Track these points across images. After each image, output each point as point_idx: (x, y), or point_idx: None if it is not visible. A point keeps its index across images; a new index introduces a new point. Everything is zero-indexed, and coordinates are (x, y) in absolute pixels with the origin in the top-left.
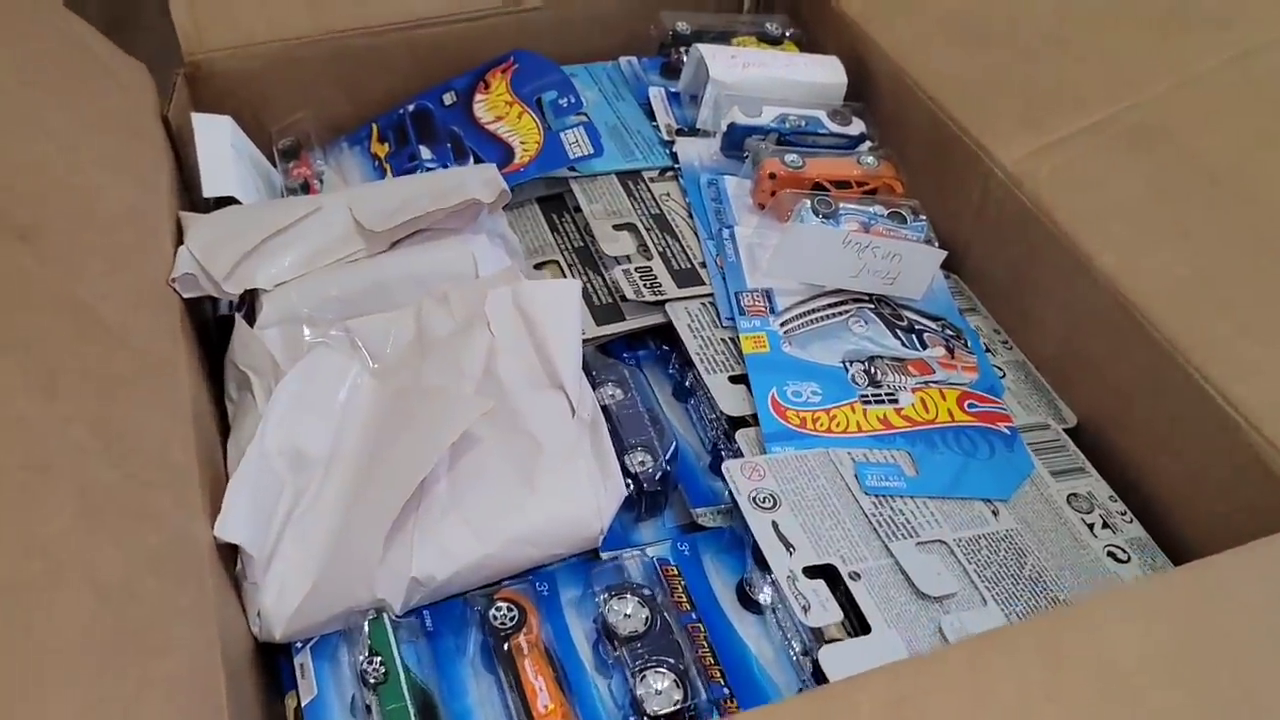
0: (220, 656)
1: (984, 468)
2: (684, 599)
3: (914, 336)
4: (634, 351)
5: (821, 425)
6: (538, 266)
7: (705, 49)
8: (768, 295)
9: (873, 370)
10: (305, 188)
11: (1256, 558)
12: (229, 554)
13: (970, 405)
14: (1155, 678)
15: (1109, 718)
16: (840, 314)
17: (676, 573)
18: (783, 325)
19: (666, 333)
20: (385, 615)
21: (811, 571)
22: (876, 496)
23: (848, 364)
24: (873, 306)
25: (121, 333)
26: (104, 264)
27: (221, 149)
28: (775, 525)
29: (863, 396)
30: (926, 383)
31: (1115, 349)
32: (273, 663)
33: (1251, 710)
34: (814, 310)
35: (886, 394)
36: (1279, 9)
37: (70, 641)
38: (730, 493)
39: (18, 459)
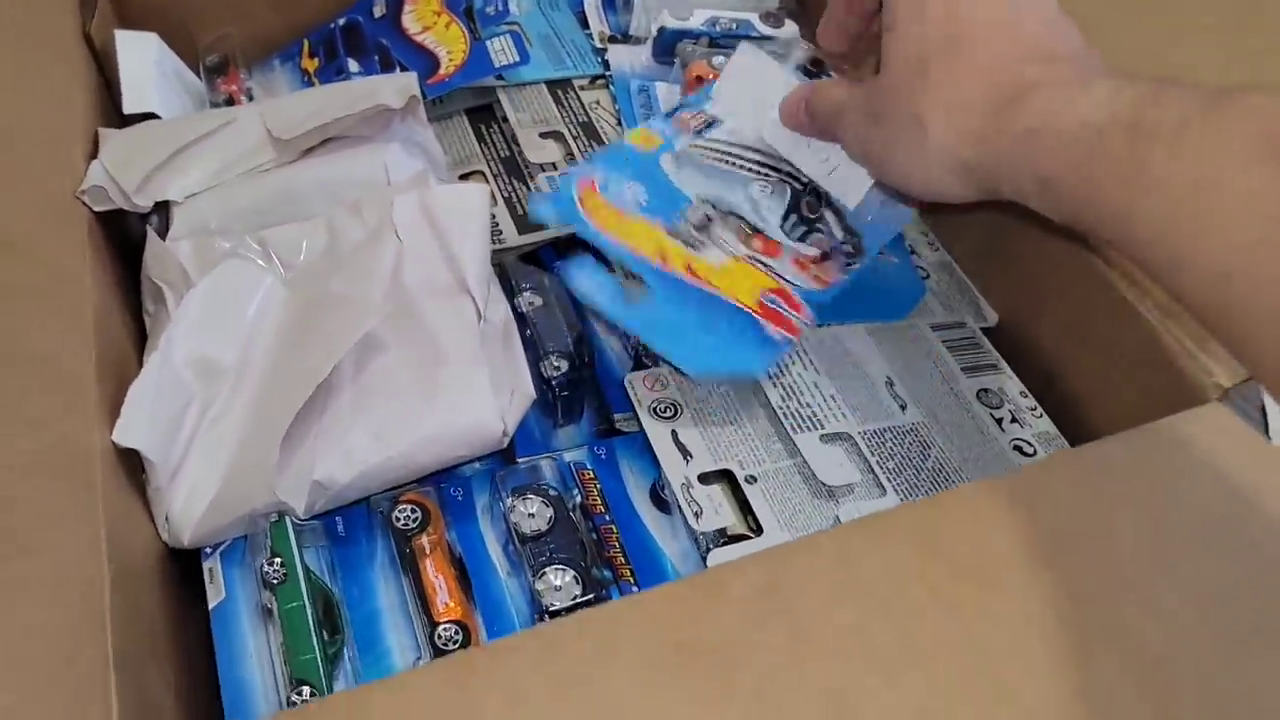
0: (106, 558)
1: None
2: (598, 501)
3: (801, 229)
4: (565, 259)
5: (611, 224)
6: (463, 177)
7: None
8: (709, 125)
9: (709, 218)
10: (230, 102)
11: (1137, 442)
12: (133, 461)
13: (769, 299)
14: (1029, 563)
15: (978, 601)
16: (754, 173)
17: (592, 476)
18: (691, 144)
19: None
20: (287, 518)
21: (713, 476)
22: (785, 389)
23: (696, 200)
24: (797, 189)
25: (22, 244)
26: (4, 178)
27: (145, 66)
28: (674, 434)
29: (671, 229)
30: (753, 259)
31: (1033, 247)
32: (194, 570)
33: (1122, 590)
34: (732, 153)
35: (696, 240)
36: None
37: None
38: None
39: None
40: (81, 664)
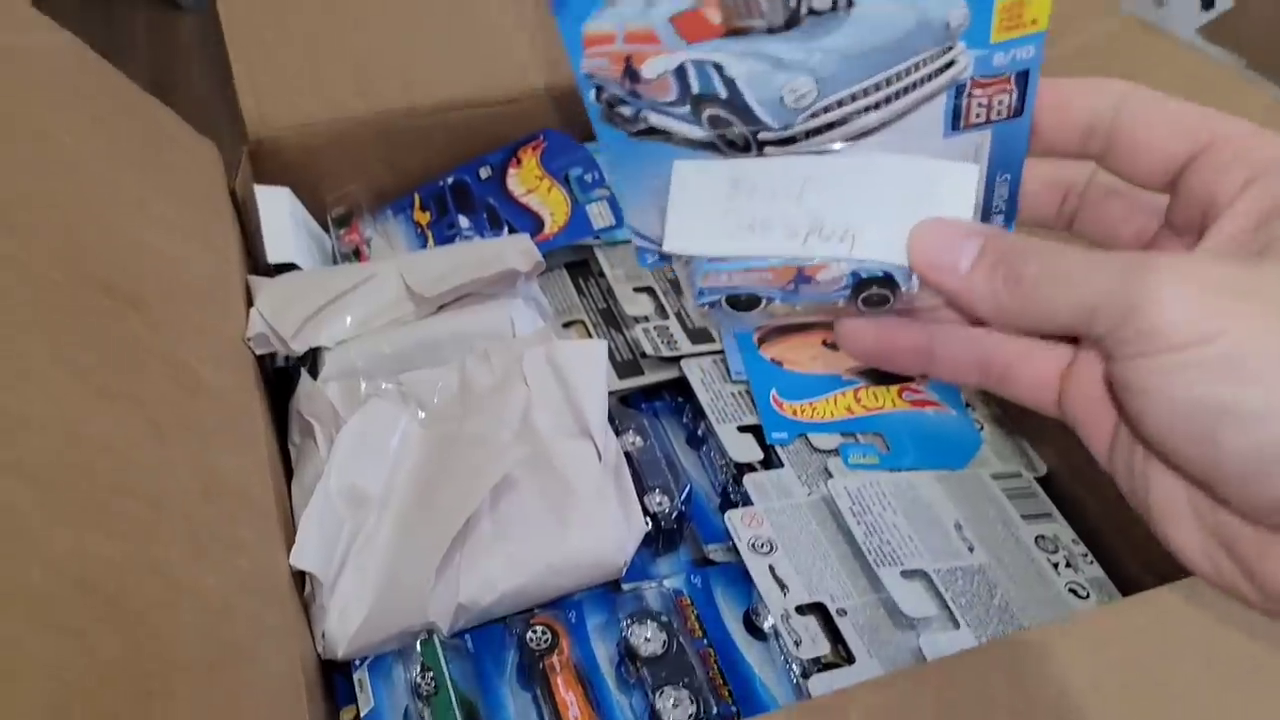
0: (301, 669)
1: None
2: (696, 626)
3: None
4: (651, 403)
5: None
6: (565, 325)
7: None
8: None
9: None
10: (356, 253)
11: (1189, 592)
12: (299, 581)
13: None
14: (1106, 697)
15: None
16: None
17: (690, 603)
18: None
19: (680, 386)
20: (435, 635)
21: (805, 608)
22: (868, 526)
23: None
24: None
25: (213, 387)
26: (196, 326)
27: (281, 218)
28: (772, 569)
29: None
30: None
31: None
32: (328, 680)
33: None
34: None
35: None
36: None
37: (185, 650)
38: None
39: (141, 495)
40: None
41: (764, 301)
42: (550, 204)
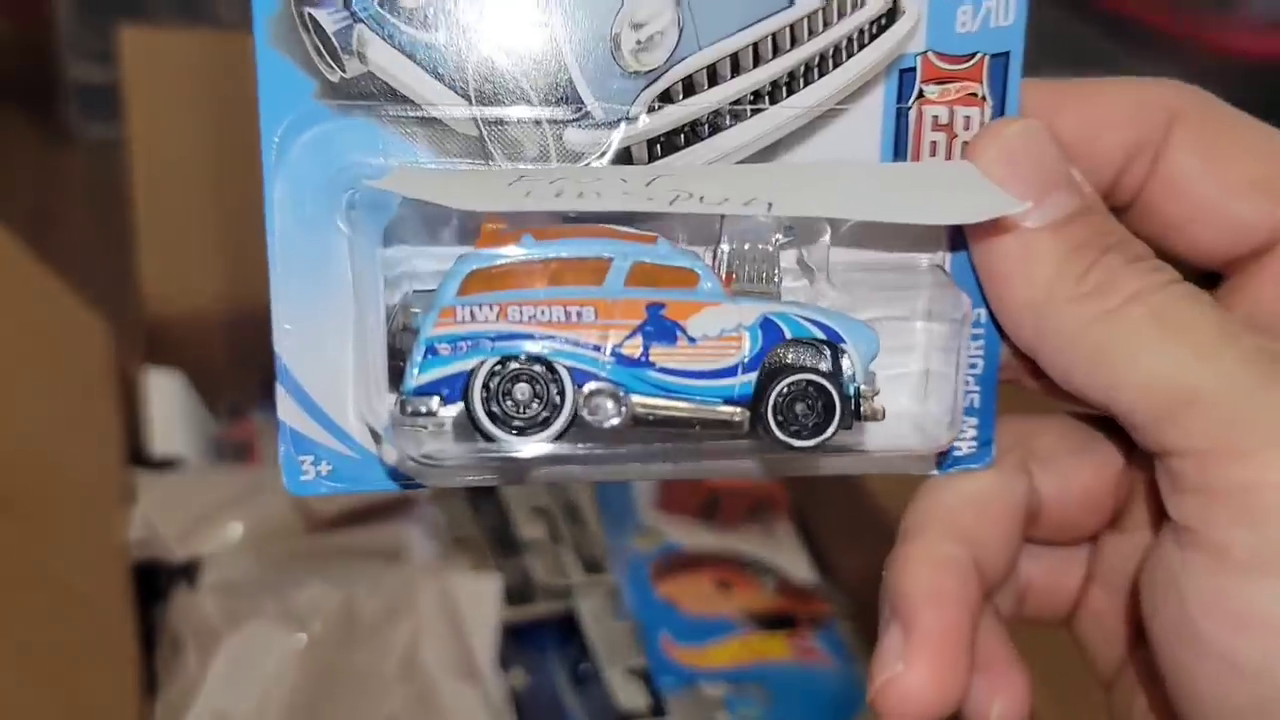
0: None
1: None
2: None
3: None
4: (540, 631)
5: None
6: (456, 540)
7: None
8: None
9: None
10: (245, 447)
11: None
12: None
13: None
14: None
15: None
16: None
17: None
18: None
19: (571, 616)
20: None
21: None
22: None
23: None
24: None
25: (85, 600)
26: (71, 530)
27: (171, 406)
28: None
29: None
30: None
31: None
32: None
33: None
34: None
35: None
36: None
37: None
38: None
39: None
40: None
41: (567, 382)
42: None
